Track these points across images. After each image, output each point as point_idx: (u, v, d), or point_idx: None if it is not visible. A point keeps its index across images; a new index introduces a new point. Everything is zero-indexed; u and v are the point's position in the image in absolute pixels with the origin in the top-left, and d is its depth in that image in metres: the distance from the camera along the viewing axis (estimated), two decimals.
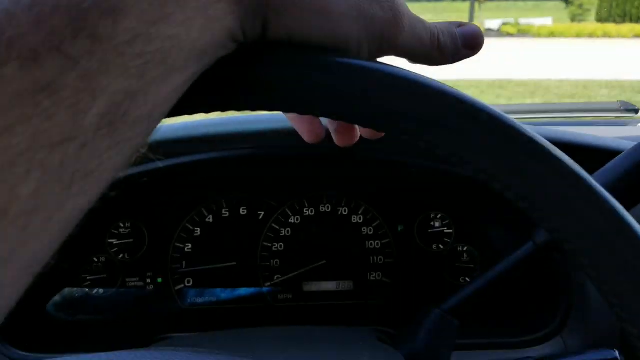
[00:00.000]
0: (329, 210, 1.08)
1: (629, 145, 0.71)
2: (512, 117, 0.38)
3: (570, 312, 0.85)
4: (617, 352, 0.56)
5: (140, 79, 0.24)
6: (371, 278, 1.07)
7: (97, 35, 0.22)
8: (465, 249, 1.08)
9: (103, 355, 0.44)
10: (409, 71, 0.37)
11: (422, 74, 0.38)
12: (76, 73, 0.21)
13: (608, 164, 0.66)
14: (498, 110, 0.38)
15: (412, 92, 0.36)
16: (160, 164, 0.82)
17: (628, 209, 0.39)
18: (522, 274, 0.97)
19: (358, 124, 0.42)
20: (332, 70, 0.34)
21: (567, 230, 0.40)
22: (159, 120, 0.27)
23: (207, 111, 0.37)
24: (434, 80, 0.38)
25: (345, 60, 0.35)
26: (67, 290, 1.01)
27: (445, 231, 1.08)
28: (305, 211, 1.08)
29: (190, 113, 0.37)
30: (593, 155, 0.76)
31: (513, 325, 0.90)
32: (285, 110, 0.39)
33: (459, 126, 0.38)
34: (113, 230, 1.05)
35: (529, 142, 0.39)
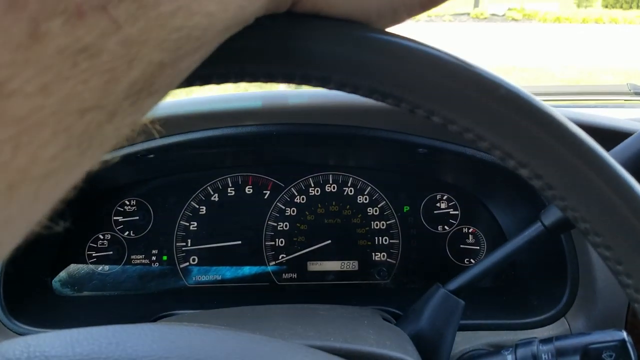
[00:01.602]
0: (335, 190, 1.08)
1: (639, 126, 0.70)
2: None
3: (576, 294, 0.85)
4: (624, 333, 0.56)
5: (173, 52, 0.23)
6: (376, 258, 1.07)
7: (143, 1, 0.21)
8: (470, 230, 1.08)
9: (109, 327, 0.44)
10: (429, 46, 0.37)
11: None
12: (117, 38, 0.20)
13: (622, 144, 0.65)
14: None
15: (433, 66, 0.35)
16: (166, 140, 0.81)
17: None
18: (529, 256, 0.97)
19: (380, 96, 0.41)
20: (360, 44, 0.34)
21: (582, 208, 0.39)
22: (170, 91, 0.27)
23: (234, 81, 0.36)
24: (451, 54, 0.37)
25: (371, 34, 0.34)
26: (72, 266, 1.01)
27: (451, 212, 1.08)
28: (311, 191, 1.08)
29: (213, 83, 0.37)
30: (605, 137, 0.75)
31: (518, 306, 0.90)
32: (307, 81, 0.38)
33: (475, 100, 0.37)
34: (119, 208, 1.05)
35: (546, 118, 0.38)
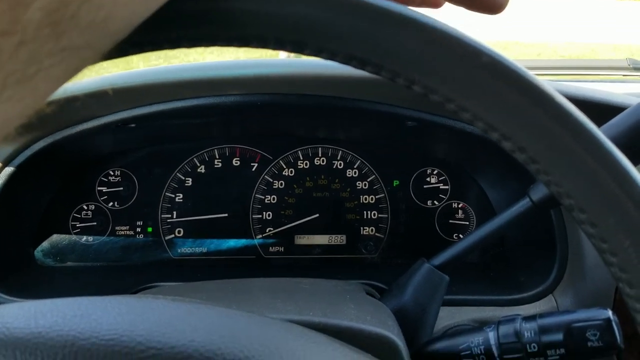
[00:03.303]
0: (324, 164, 1.06)
1: (636, 101, 0.68)
2: None
3: (564, 271, 0.84)
4: (610, 312, 0.55)
5: None
6: (364, 233, 1.06)
7: None
8: (460, 205, 1.06)
9: (76, 299, 0.43)
10: (409, 9, 0.34)
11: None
12: None
13: (613, 119, 0.63)
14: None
15: (413, 31, 0.33)
16: (147, 109, 0.79)
17: (634, 165, 0.37)
18: (517, 232, 0.96)
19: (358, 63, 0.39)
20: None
21: (567, 184, 0.37)
22: (117, 35, 0.24)
23: (204, 44, 0.34)
24: (432, 18, 0.35)
25: None
26: (55, 236, 1.00)
27: (441, 187, 1.06)
28: (299, 164, 1.06)
29: (174, 47, 0.34)
30: (600, 111, 0.73)
31: (504, 283, 0.89)
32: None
33: (457, 68, 0.35)
34: (103, 178, 1.03)
35: (532, 89, 0.36)
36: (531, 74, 0.36)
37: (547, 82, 0.36)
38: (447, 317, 0.83)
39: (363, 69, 0.37)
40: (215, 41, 0.34)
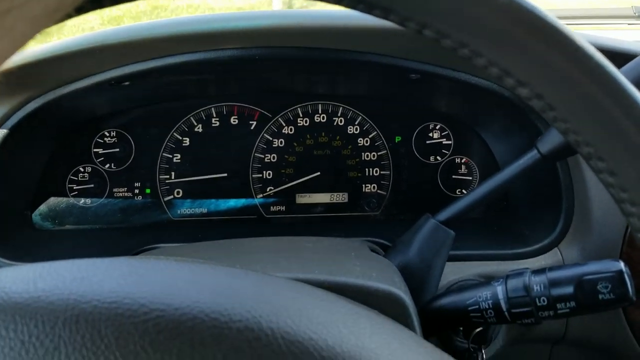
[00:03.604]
0: (324, 121, 1.04)
1: None
2: None
3: (570, 224, 0.82)
4: (622, 263, 0.53)
5: None
6: (366, 190, 1.04)
7: None
8: (463, 160, 1.05)
9: (75, 261, 0.41)
10: None
11: None
12: None
13: (632, 61, 0.60)
14: None
15: None
16: (141, 66, 0.76)
17: None
18: (522, 185, 0.94)
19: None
20: None
21: (586, 131, 0.36)
22: None
23: None
24: None
25: None
26: (52, 199, 0.98)
27: (444, 142, 1.04)
28: (299, 122, 1.03)
29: None
30: (611, 58, 0.70)
31: (509, 237, 0.88)
32: None
33: (471, 10, 0.33)
34: (98, 140, 1.00)
35: (550, 31, 0.34)
36: (549, 15, 0.34)
37: (565, 25, 0.34)
38: (452, 272, 0.82)
39: (370, 13, 0.35)
40: None
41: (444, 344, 0.77)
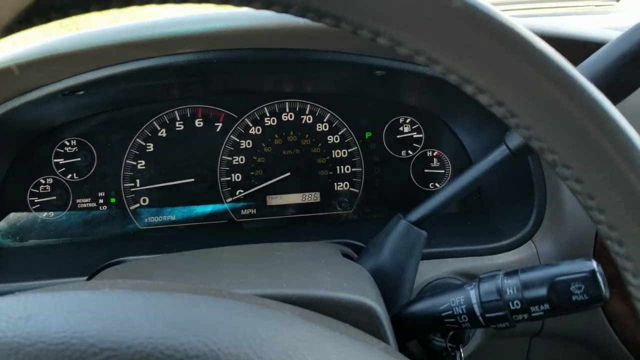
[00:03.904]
0: (292, 119, 1.01)
1: (614, 35, 0.64)
2: None
3: (543, 216, 0.82)
4: (594, 263, 0.52)
5: None
6: (338, 189, 1.02)
7: None
8: (435, 154, 1.03)
9: (21, 297, 0.38)
10: None
11: None
12: None
13: (591, 57, 0.59)
14: None
15: None
16: (93, 75, 0.72)
17: (614, 103, 0.34)
18: (494, 179, 0.93)
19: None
20: None
21: (550, 138, 0.34)
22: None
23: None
24: None
25: None
26: (12, 215, 0.94)
27: (415, 136, 1.03)
28: (266, 121, 1.01)
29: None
30: (574, 48, 0.69)
31: (483, 231, 0.87)
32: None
33: (425, 16, 0.31)
34: (58, 150, 0.96)
35: (508, 34, 0.32)
36: (506, 17, 0.32)
37: (525, 26, 0.32)
38: (427, 270, 0.81)
39: (321, 22, 0.33)
40: None
41: (421, 344, 0.76)
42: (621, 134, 0.33)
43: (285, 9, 0.32)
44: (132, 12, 0.73)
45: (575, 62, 0.40)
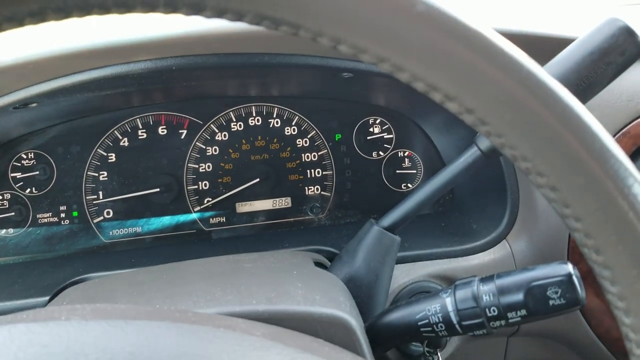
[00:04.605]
0: (259, 123, 0.99)
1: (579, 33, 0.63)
2: None
3: (516, 215, 0.81)
4: (570, 266, 0.51)
5: None
6: (309, 193, 1.00)
7: None
8: (406, 154, 1.02)
9: None
10: None
11: None
12: None
13: (558, 55, 0.58)
14: None
15: None
16: (46, 86, 0.68)
17: (583, 102, 0.33)
18: (467, 179, 0.92)
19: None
20: None
21: (522, 145, 0.32)
22: None
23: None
24: None
25: None
26: None
27: (385, 137, 1.01)
28: (233, 126, 0.98)
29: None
30: (541, 48, 0.68)
31: (457, 232, 0.86)
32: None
33: (388, 21, 0.29)
34: (15, 163, 0.92)
35: (475, 38, 0.30)
36: (472, 21, 0.30)
37: (491, 29, 0.31)
38: (402, 275, 0.79)
39: (277, 30, 0.31)
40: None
41: (399, 350, 0.75)
42: (595, 139, 0.31)
43: (239, 17, 0.30)
44: (84, 20, 0.70)
45: (540, 61, 0.38)
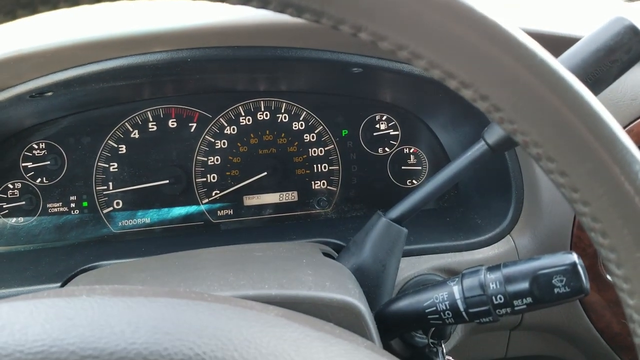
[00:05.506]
0: (268, 118, 1.00)
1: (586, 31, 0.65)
2: None
3: (520, 211, 0.82)
4: (575, 255, 0.53)
5: None
6: (316, 187, 1.02)
7: None
8: (412, 150, 1.03)
9: (5, 304, 0.37)
10: None
11: None
12: None
13: (566, 52, 0.60)
14: None
15: None
16: (62, 75, 0.70)
17: (595, 94, 0.34)
18: (472, 174, 0.94)
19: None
20: None
21: (534, 131, 0.34)
22: None
23: None
24: None
25: None
26: None
27: (391, 133, 1.03)
28: (242, 121, 1.00)
29: None
30: (549, 44, 0.69)
31: (462, 227, 0.88)
32: None
33: (408, 10, 0.31)
34: (27, 153, 0.93)
35: (491, 28, 0.32)
36: (488, 12, 0.32)
37: (507, 20, 0.32)
38: (407, 267, 0.81)
39: (300, 17, 0.32)
40: None
41: (403, 341, 0.76)
42: (604, 126, 0.33)
43: (264, 5, 0.32)
44: (101, 10, 0.71)
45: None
